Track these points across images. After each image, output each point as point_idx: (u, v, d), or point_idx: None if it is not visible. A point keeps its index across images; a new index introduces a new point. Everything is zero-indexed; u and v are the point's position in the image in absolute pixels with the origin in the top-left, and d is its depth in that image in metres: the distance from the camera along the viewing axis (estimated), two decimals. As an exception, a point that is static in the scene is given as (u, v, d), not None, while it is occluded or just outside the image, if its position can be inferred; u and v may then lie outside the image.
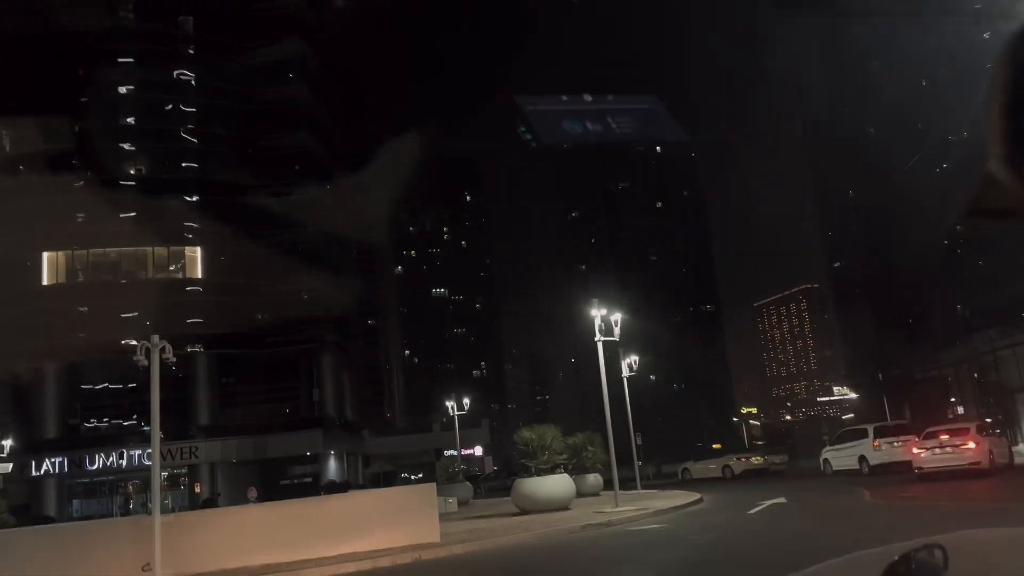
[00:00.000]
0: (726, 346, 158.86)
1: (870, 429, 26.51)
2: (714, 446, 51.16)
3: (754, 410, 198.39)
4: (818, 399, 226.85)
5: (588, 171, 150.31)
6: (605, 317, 19.91)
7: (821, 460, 29.37)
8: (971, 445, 19.88)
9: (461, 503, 28.23)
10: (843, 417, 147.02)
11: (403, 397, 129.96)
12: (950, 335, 45.30)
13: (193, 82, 52.59)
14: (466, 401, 40.76)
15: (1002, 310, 38.36)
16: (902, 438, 25.82)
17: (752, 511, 16.67)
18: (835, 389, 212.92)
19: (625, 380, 26.90)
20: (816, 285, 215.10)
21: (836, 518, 14.06)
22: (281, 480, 50.79)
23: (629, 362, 27.55)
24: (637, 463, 29.19)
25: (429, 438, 64.24)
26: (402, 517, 14.76)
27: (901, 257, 56.50)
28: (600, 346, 19.85)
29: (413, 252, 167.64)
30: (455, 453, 61.25)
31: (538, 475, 20.51)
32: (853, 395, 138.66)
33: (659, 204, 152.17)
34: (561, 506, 20.33)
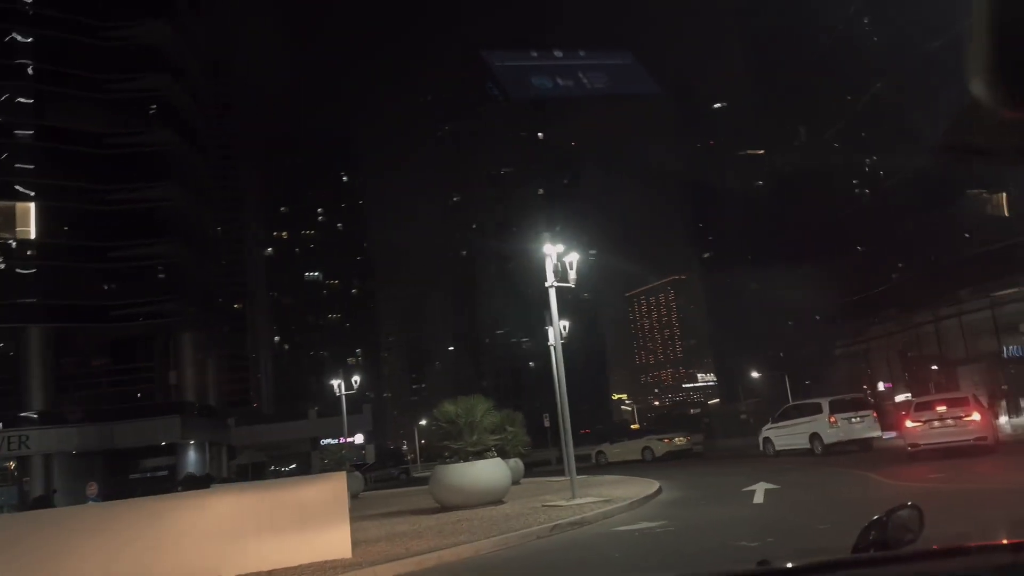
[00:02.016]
0: (602, 335, 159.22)
1: (824, 404, 23.50)
2: (632, 427, 48.36)
3: (624, 396, 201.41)
4: (683, 385, 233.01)
5: (472, 155, 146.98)
6: (561, 256, 15.60)
7: (761, 439, 26.32)
8: (975, 417, 17.05)
9: (352, 496, 23.42)
10: (709, 402, 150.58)
11: (272, 384, 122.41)
12: (868, 309, 43.94)
13: (29, 10, 44.74)
14: (356, 379, 35.78)
15: (931, 280, 36.78)
16: (860, 413, 23.07)
17: (755, 501, 12.94)
18: (699, 376, 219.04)
19: (554, 349, 22.55)
20: (684, 276, 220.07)
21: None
22: (132, 474, 45.24)
23: (560, 328, 23.25)
24: (565, 446, 25.03)
25: (303, 426, 58.92)
26: (297, 522, 10.02)
27: (802, 231, 54.92)
28: (552, 292, 15.78)
29: (285, 234, 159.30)
30: (333, 442, 56.12)
31: (464, 460, 16.14)
32: (714, 382, 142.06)
33: (540, 191, 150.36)
34: (495, 499, 16.08)
